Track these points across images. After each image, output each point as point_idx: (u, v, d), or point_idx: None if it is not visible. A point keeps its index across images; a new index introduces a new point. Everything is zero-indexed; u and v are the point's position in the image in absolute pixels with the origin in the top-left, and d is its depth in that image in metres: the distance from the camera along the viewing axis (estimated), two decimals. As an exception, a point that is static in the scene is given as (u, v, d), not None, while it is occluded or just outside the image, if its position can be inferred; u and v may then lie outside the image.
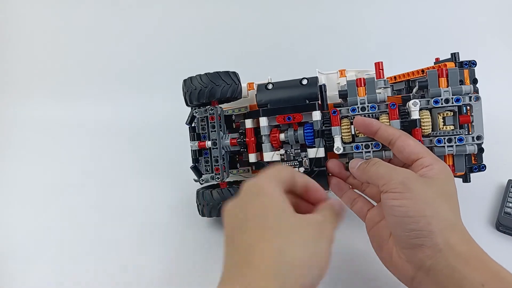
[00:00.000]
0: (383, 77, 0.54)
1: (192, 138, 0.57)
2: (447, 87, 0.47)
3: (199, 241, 0.57)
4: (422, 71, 0.58)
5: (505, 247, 0.54)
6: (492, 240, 0.55)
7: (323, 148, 0.51)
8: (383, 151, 0.48)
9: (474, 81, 0.54)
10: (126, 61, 1.01)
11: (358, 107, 0.49)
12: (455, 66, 0.53)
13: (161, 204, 0.67)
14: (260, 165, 0.55)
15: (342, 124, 0.50)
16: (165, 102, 0.96)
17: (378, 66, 0.55)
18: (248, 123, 0.55)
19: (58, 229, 0.62)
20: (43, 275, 0.51)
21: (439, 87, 0.47)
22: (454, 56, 0.53)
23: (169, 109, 0.90)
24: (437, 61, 0.58)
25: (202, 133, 0.57)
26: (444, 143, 0.47)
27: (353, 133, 0.51)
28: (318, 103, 0.52)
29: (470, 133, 0.48)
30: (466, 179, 0.50)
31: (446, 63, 0.53)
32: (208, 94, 0.54)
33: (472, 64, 0.53)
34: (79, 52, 1.02)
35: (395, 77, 0.66)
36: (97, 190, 0.73)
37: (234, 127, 0.61)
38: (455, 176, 0.49)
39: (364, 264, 0.51)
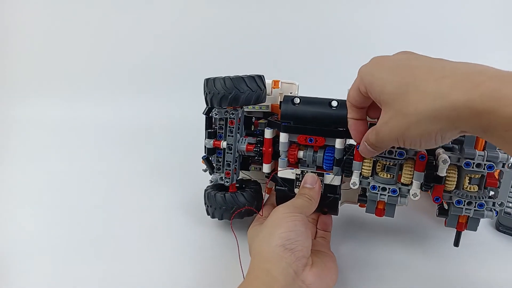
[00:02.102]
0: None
1: (208, 136, 0.55)
2: (483, 150, 0.44)
3: (206, 241, 0.58)
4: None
5: (505, 247, 0.56)
6: (492, 240, 0.57)
7: (340, 177, 0.50)
8: (399, 197, 0.48)
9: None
10: (129, 61, 0.95)
11: (385, 150, 0.46)
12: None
13: (166, 204, 0.67)
14: (274, 178, 0.54)
15: (364, 160, 0.48)
16: (170, 103, 0.91)
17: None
18: (268, 134, 0.52)
19: (60, 229, 0.61)
20: (44, 275, 0.51)
21: (475, 148, 0.44)
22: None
23: (175, 109, 0.85)
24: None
25: (219, 132, 0.55)
26: (464, 205, 0.45)
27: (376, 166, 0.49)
28: (344, 130, 0.49)
29: (493, 197, 0.46)
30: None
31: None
32: (232, 100, 0.50)
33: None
34: (80, 52, 0.95)
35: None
36: (100, 190, 0.72)
37: (252, 128, 0.58)
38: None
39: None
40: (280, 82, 0.58)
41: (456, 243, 0.50)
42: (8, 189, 0.74)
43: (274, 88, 0.58)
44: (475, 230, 0.48)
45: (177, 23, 0.95)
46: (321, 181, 0.51)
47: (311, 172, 0.51)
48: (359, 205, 0.59)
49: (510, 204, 0.60)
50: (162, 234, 0.60)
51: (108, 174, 0.78)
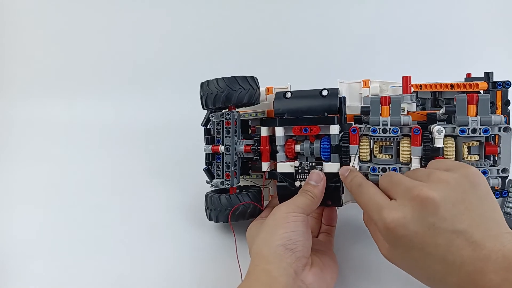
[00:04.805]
0: (410, 93, 0.52)
1: (207, 142, 0.56)
2: (476, 115, 0.44)
3: (206, 242, 0.58)
4: (451, 85, 0.55)
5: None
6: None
7: (339, 164, 0.50)
8: (401, 175, 0.47)
9: (507, 103, 0.51)
10: (131, 61, 0.99)
11: (379, 128, 0.46)
12: (488, 86, 0.50)
13: (167, 205, 0.67)
14: (273, 175, 0.54)
15: (361, 143, 0.48)
16: (174, 103, 0.94)
17: (406, 81, 0.52)
18: (264, 131, 0.53)
19: (60, 229, 0.62)
20: (43, 275, 0.52)
21: (467, 115, 0.44)
22: (488, 76, 0.50)
23: (179, 109, 0.88)
24: (468, 77, 0.55)
25: (216, 137, 0.56)
26: (467, 175, 0.44)
27: (373, 149, 0.49)
28: (337, 116, 0.50)
29: (496, 165, 0.45)
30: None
31: (478, 83, 0.50)
32: (224, 99, 0.52)
33: (506, 84, 0.50)
34: (82, 52, 1.00)
35: (420, 86, 0.63)
36: (100, 190, 0.73)
37: (250, 132, 0.59)
38: None
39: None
40: (273, 88, 0.60)
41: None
42: (9, 188, 0.75)
43: (268, 94, 0.60)
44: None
45: (179, 24, 0.98)
46: (321, 170, 0.50)
47: (310, 163, 0.51)
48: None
49: (510, 204, 0.59)
50: (162, 235, 0.60)
51: (109, 174, 0.78)
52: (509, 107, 0.50)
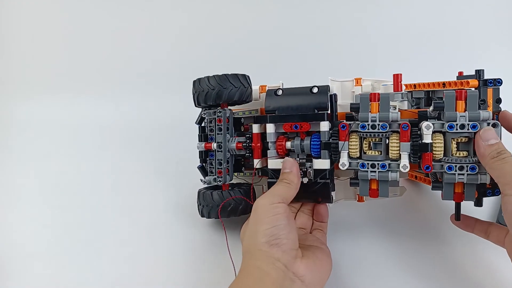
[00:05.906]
0: (401, 90, 0.52)
1: (200, 139, 0.57)
2: (465, 111, 0.44)
3: (203, 241, 0.58)
4: (444, 84, 0.55)
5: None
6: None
7: (329, 160, 0.50)
8: (389, 172, 0.47)
9: (497, 101, 0.51)
10: (129, 60, 1.00)
11: (368, 124, 0.47)
12: (479, 84, 0.49)
13: (163, 205, 0.68)
14: (265, 171, 0.54)
15: (350, 139, 0.48)
16: (170, 102, 0.94)
17: (397, 79, 0.52)
18: (255, 128, 0.54)
19: (59, 229, 0.62)
20: (39, 274, 0.52)
21: (456, 110, 0.44)
22: (478, 74, 0.50)
23: (174, 108, 0.89)
24: (460, 75, 0.54)
25: (210, 135, 0.56)
26: (455, 171, 0.44)
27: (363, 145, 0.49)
28: (327, 113, 0.50)
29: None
30: (478, 203, 0.48)
31: (469, 80, 0.50)
32: (215, 96, 0.53)
33: (497, 82, 0.50)
34: (83, 51, 1.00)
35: (414, 85, 0.63)
36: (98, 190, 0.73)
37: (242, 130, 0.60)
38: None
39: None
40: (267, 87, 0.60)
41: (457, 217, 0.48)
42: (9, 188, 0.75)
43: (261, 92, 0.60)
44: (473, 200, 0.46)
45: (179, 25, 0.99)
46: (311, 167, 0.51)
47: (300, 160, 0.51)
48: (357, 200, 0.58)
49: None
50: (159, 234, 0.60)
51: (108, 174, 0.79)
52: (500, 105, 0.50)
